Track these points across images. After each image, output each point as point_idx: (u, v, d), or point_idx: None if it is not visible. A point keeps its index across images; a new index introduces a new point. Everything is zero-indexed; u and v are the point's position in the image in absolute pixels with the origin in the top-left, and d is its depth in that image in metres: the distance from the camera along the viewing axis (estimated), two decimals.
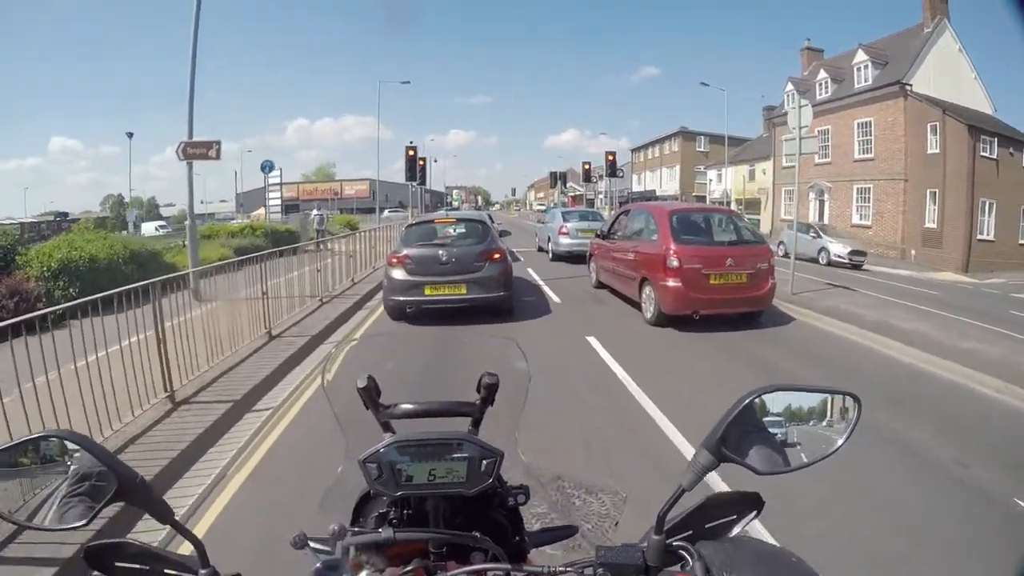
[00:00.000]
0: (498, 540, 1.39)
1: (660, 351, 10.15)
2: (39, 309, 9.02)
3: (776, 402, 1.22)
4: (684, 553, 1.18)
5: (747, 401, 1.19)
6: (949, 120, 30.99)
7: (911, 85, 33.34)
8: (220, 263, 11.11)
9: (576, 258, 21.22)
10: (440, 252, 12.08)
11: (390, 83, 79.43)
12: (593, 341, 10.38)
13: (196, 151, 14.98)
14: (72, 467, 1.17)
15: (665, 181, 72.10)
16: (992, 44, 74.77)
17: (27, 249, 16.82)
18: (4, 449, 1.20)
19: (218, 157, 15.08)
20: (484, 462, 1.30)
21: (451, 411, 1.62)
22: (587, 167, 42.67)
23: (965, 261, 29.94)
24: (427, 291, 11.73)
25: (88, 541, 1.27)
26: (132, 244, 18.31)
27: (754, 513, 1.32)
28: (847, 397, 1.26)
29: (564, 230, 23.19)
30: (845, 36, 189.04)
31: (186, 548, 1.22)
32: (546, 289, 16.09)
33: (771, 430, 1.21)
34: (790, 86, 44.15)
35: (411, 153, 28.56)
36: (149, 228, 52.50)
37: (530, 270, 19.86)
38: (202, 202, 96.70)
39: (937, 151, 31.55)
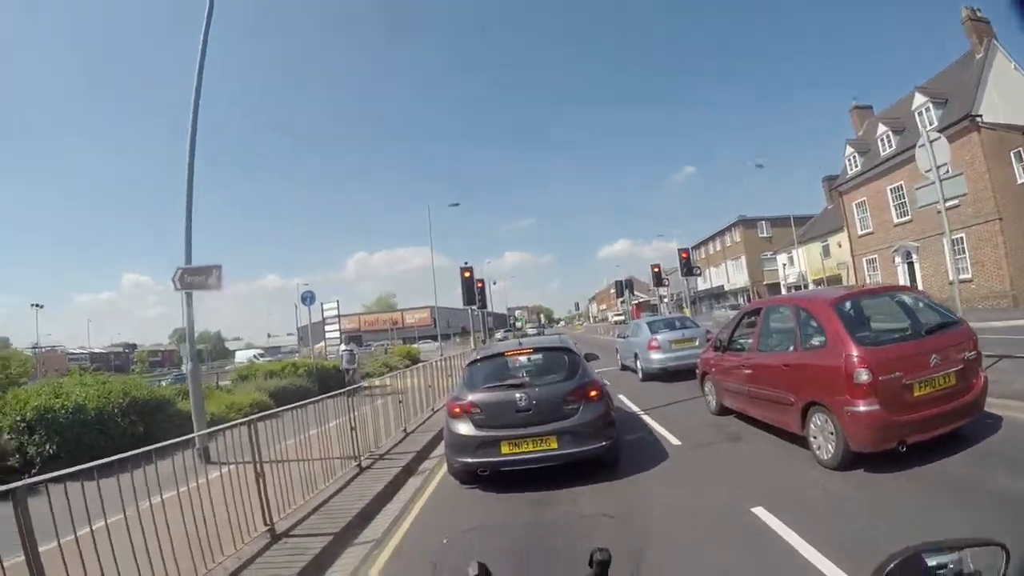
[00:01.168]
0: None
1: (880, 523, 6.16)
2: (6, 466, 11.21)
3: (917, 567, 1.15)
4: None
5: (897, 561, 1.13)
6: None
7: (980, 116, 31.12)
8: (220, 427, 8.34)
9: (672, 375, 18.51)
10: (517, 395, 9.15)
11: (441, 209, 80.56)
12: (765, 516, 6.63)
13: (194, 279, 13.06)
14: None
15: (732, 274, 70.63)
16: None
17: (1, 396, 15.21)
18: None
19: (219, 286, 13.17)
20: None
21: None
22: (656, 269, 40.46)
23: None
24: (504, 449, 8.86)
25: None
26: (135, 390, 15.88)
27: None
28: (993, 547, 1.18)
29: (654, 343, 19.63)
30: (886, 88, 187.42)
31: None
32: (651, 422, 12.46)
33: None
34: (849, 149, 43.25)
35: (467, 275, 27.98)
36: (248, 355, 54.46)
37: (622, 396, 15.96)
38: (268, 335, 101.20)
39: None
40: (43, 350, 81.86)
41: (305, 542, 7.50)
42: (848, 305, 8.75)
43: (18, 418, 13.43)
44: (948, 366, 7.69)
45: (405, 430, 14.05)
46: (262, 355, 57.92)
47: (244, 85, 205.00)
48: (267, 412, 9.25)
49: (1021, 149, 29.18)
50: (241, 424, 7.88)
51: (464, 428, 9.21)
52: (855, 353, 7.59)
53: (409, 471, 10.98)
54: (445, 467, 10.11)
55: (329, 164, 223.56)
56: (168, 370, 61.83)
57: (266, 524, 7.62)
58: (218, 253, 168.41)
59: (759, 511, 6.79)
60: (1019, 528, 5.47)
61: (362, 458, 11.05)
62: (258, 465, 7.65)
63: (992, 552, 1.19)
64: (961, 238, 31.86)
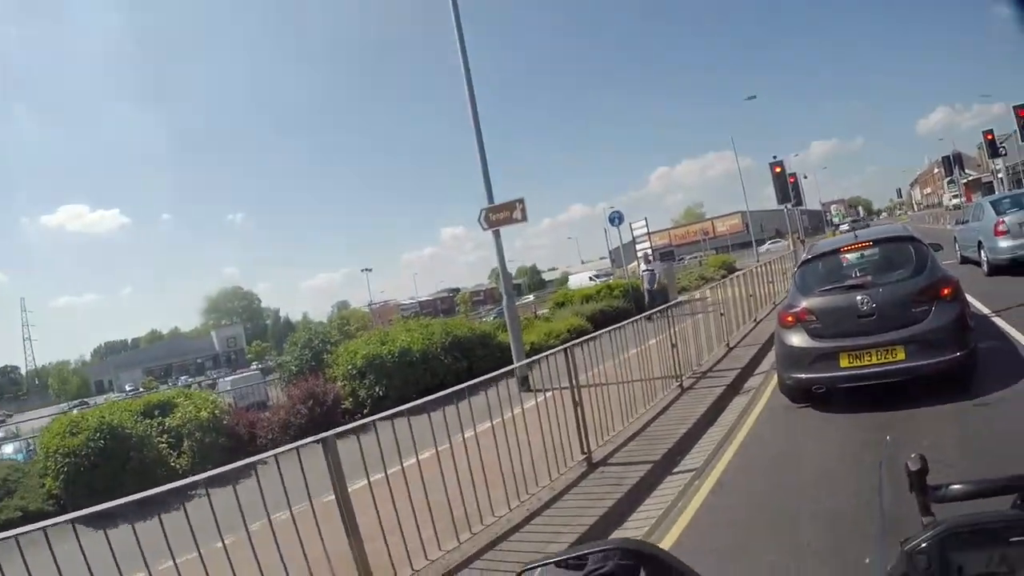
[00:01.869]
0: None
1: None
2: (340, 410, 14.30)
3: None
4: None
5: None
6: None
7: None
8: (536, 357, 8.51)
9: None
10: (858, 298, 8.09)
11: (737, 104, 78.11)
12: None
13: (499, 216, 13.69)
14: None
15: None
16: None
17: (334, 348, 17.72)
18: (575, 556, 1.24)
19: (524, 219, 13.67)
20: None
21: (1010, 487, 1.36)
22: (989, 136, 35.45)
23: None
24: (844, 362, 7.77)
25: None
26: (456, 329, 17.32)
27: None
28: None
29: (1002, 228, 16.71)
30: None
31: None
32: (1006, 327, 10.53)
33: None
34: None
35: (777, 170, 26.63)
36: (581, 279, 57.84)
37: (968, 296, 13.51)
38: (582, 262, 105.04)
39: None
40: (377, 305, 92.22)
41: (622, 471, 7.30)
42: None
43: (350, 366, 15.22)
44: None
45: (728, 344, 13.50)
46: (597, 276, 59.95)
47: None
48: (583, 337, 9.17)
49: None
50: (557, 352, 7.81)
51: (797, 339, 8.35)
52: None
53: (734, 389, 10.47)
54: (773, 384, 9.38)
55: (612, 85, 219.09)
56: (490, 307, 65.94)
57: (583, 452, 7.53)
58: (525, 191, 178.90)
59: None
60: None
61: (683, 377, 10.68)
62: (575, 392, 7.50)
63: None
64: None
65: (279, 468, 4.79)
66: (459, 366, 15.50)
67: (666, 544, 5.56)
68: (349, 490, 5.13)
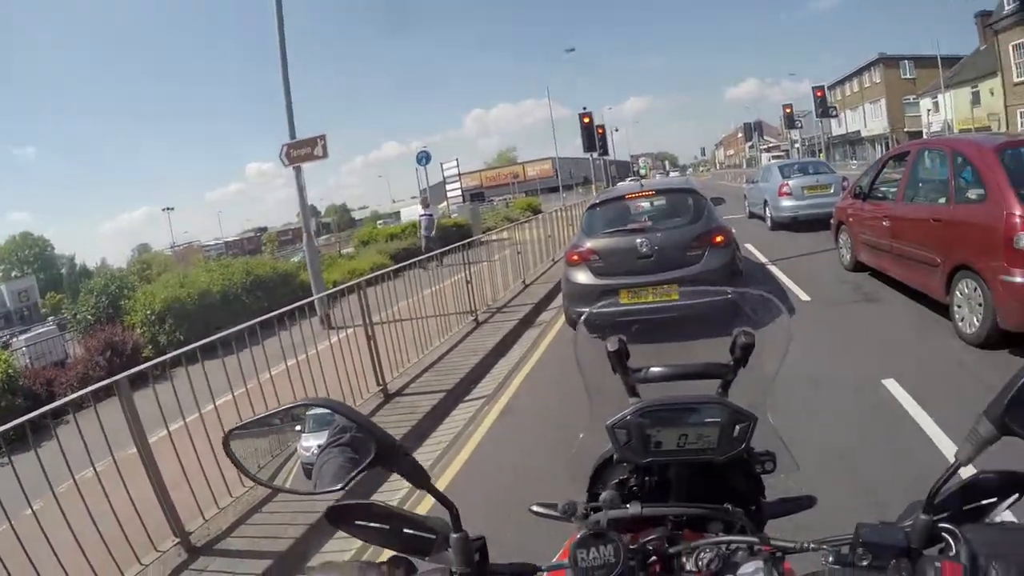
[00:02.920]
0: (735, 507, 1.31)
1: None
2: (141, 360, 11.72)
3: None
4: (947, 536, 1.05)
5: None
6: None
7: None
8: (327, 292, 9.52)
9: (803, 225, 17.21)
10: (638, 241, 8.78)
11: (557, 55, 78.77)
12: (895, 390, 6.12)
13: (300, 152, 13.47)
14: (330, 433, 1.20)
15: (869, 119, 66.14)
16: None
17: (132, 294, 16.76)
18: (264, 416, 1.27)
19: (325, 155, 13.44)
20: (737, 427, 1.25)
21: (703, 373, 1.62)
22: (788, 110, 38.36)
23: None
24: (624, 298, 8.41)
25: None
26: (258, 268, 17.02)
27: (1017, 496, 1.16)
28: None
29: (785, 189, 18.33)
30: None
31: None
32: (779, 275, 11.89)
33: None
34: None
35: (586, 120, 27.21)
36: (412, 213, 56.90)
37: (749, 246, 15.10)
38: (393, 201, 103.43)
39: None
40: (180, 247, 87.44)
41: (417, 400, 7.59)
42: (1015, 155, 7.45)
43: (148, 312, 14.59)
44: None
45: (524, 282, 13.98)
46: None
47: None
48: (373, 273, 9.39)
49: None
50: (348, 286, 8.11)
51: (582, 277, 8.94)
52: (1018, 213, 6.52)
53: (527, 323, 10.98)
54: (563, 319, 9.92)
55: (436, 26, 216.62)
56: (298, 246, 64.60)
57: (379, 384, 7.74)
58: (338, 128, 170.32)
59: (890, 384, 6.26)
60: None
61: (479, 312, 11.02)
62: (368, 328, 7.71)
63: None
64: None
65: (78, 426, 4.68)
66: (261, 306, 14.96)
67: (456, 463, 6.06)
68: (151, 440, 5.00)
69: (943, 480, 1.07)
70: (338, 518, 1.20)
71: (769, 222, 19.50)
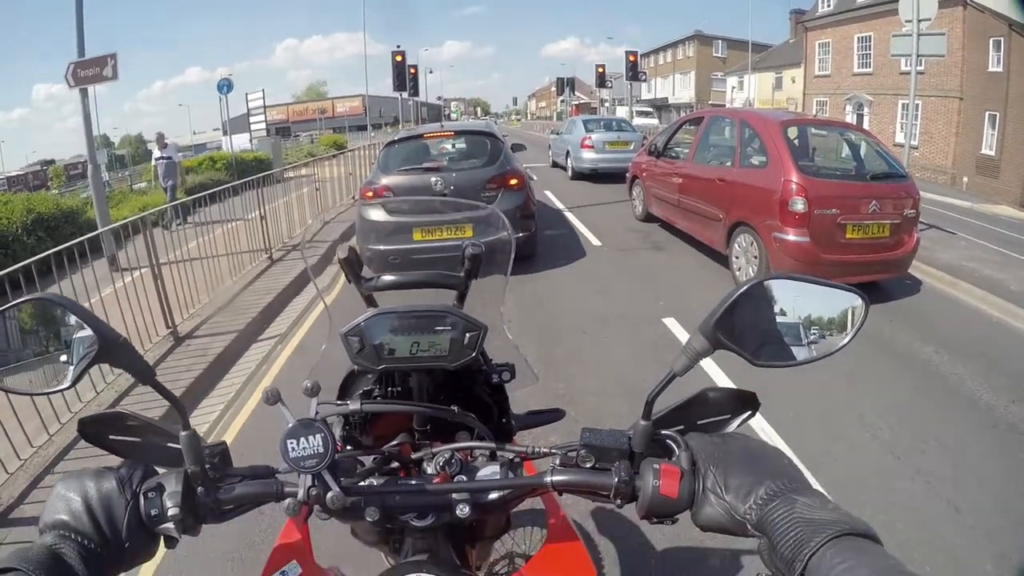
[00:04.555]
0: (483, 419, 1.37)
1: None
2: None
3: (780, 291, 1.08)
4: (671, 443, 1.12)
5: (748, 287, 1.06)
6: (1016, 37, 27.83)
7: None
8: (105, 228, 8.62)
9: (601, 177, 17.99)
10: (433, 180, 8.83)
11: None
12: (675, 328, 6.72)
13: (88, 72, 11.99)
14: (56, 330, 1.19)
15: (678, 88, 69.16)
16: None
17: None
18: None
19: (115, 76, 11.89)
20: (468, 335, 1.26)
21: (435, 283, 1.67)
22: (601, 70, 39.06)
23: None
24: (417, 236, 8.20)
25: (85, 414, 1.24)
26: (40, 205, 15.03)
27: (748, 413, 1.23)
28: (854, 295, 1.11)
29: (588, 142, 18.85)
30: None
31: None
32: (575, 221, 12.36)
33: (772, 320, 1.08)
34: None
35: (398, 59, 26.37)
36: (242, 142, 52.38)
37: (549, 193, 15.76)
38: (194, 132, 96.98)
39: (999, 70, 28.50)
40: None
41: (208, 342, 7.23)
42: (796, 131, 8.46)
43: None
44: (885, 217, 7.51)
45: (324, 220, 13.55)
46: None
47: None
48: (154, 209, 8.89)
49: (1002, 39, 28.35)
50: (130, 221, 7.54)
51: (376, 214, 8.76)
52: (795, 179, 7.33)
53: (327, 259, 10.61)
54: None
55: None
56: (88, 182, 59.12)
57: (168, 327, 7.28)
58: (135, 48, 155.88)
59: (670, 322, 6.86)
60: (916, 384, 5.79)
61: (274, 250, 10.58)
62: (155, 268, 7.25)
63: (853, 299, 1.12)
64: (918, 104, 31.28)
65: None
66: (45, 247, 13.78)
67: (247, 408, 5.80)
68: None
69: (659, 388, 1.11)
70: (91, 433, 1.18)
71: (570, 172, 20.10)
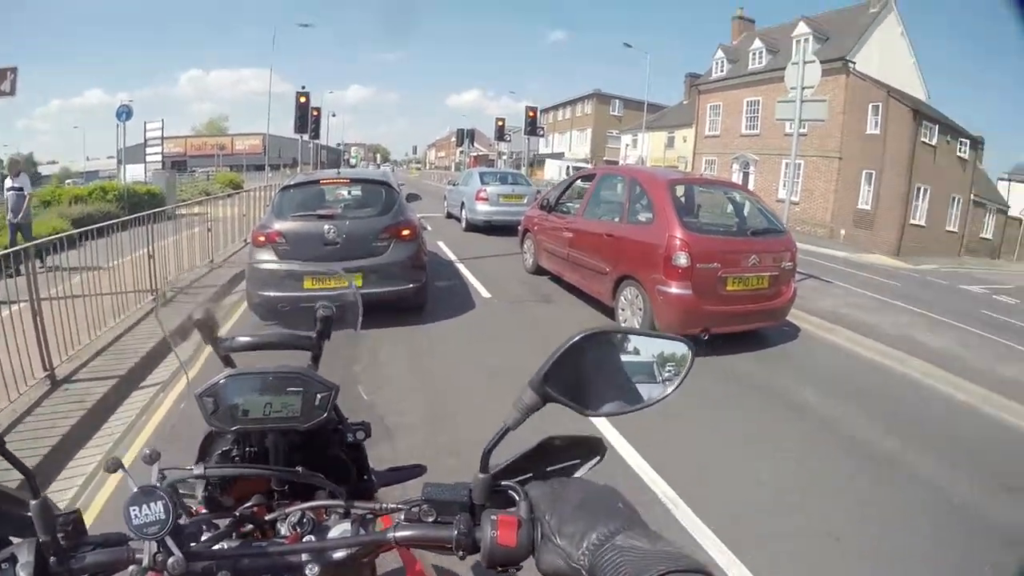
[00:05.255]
0: (342, 479, 1.39)
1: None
2: None
3: (607, 343, 1.13)
4: (512, 493, 1.12)
5: (573, 341, 1.06)
6: (893, 103, 30.82)
7: (854, 63, 32.87)
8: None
9: (495, 230, 18.31)
10: (326, 227, 8.66)
11: (289, 26, 74.05)
12: None
13: None
14: None
15: (575, 144, 70.97)
16: (932, 30, 77.65)
17: None
18: None
19: (12, 92, 11.39)
20: (319, 396, 1.30)
21: (290, 344, 1.59)
22: (501, 123, 39.72)
23: (898, 245, 30.07)
24: (307, 284, 7.82)
25: None
26: None
27: (597, 459, 1.25)
28: (680, 343, 1.18)
29: (483, 195, 19.19)
30: (776, 10, 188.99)
31: None
32: (466, 272, 12.38)
33: (600, 372, 1.11)
34: (720, 53, 43.66)
35: (303, 100, 26.16)
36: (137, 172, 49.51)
37: (441, 243, 15.80)
38: (88, 158, 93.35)
39: (876, 132, 31.37)
40: None
41: (87, 387, 6.85)
42: (682, 189, 8.77)
43: None
44: (764, 269, 7.90)
45: (212, 262, 13.10)
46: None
47: None
48: (40, 240, 7.89)
49: (881, 104, 30.86)
50: (11, 252, 6.96)
51: (267, 258, 8.68)
52: (679, 236, 7.59)
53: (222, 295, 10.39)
54: (245, 303, 9.46)
55: None
56: None
57: (45, 369, 6.82)
58: (32, 62, 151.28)
59: None
60: (797, 427, 6.09)
61: (156, 295, 9.91)
62: (35, 303, 6.78)
63: (679, 348, 1.18)
64: (800, 164, 32.97)
65: None
66: None
67: (127, 459, 5.40)
68: None
69: (494, 442, 1.13)
70: None
71: (464, 223, 20.23)
